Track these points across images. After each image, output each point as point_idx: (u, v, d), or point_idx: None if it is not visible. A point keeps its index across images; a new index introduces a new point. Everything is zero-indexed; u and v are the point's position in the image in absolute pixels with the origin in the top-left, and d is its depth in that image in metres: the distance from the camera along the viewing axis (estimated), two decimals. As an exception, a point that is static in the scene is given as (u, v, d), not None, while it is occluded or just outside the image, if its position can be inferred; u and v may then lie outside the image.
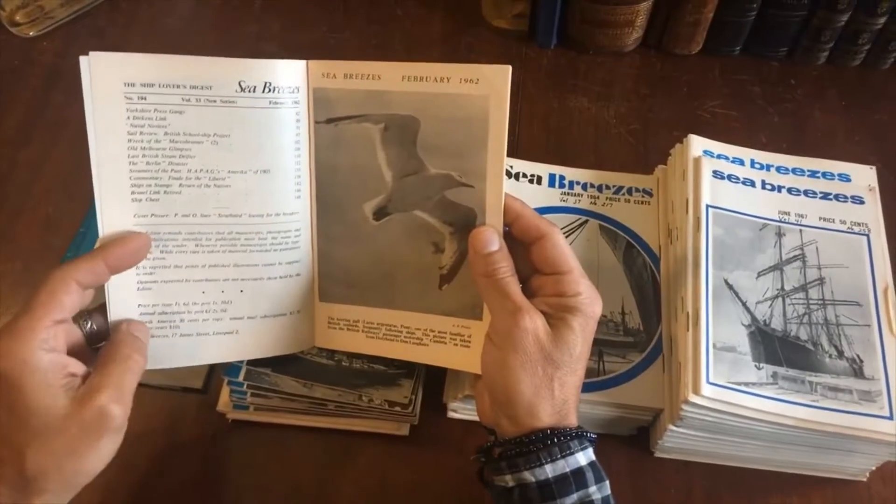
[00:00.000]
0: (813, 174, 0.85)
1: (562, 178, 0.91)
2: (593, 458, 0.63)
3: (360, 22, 1.20)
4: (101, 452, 0.60)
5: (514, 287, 0.65)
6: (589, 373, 0.74)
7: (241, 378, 0.78)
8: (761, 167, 0.85)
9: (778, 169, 0.85)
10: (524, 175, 0.91)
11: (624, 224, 0.88)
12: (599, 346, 0.79)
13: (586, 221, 0.88)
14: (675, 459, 0.82)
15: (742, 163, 0.85)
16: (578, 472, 0.61)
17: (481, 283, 0.66)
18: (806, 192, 0.83)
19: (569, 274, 0.65)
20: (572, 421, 0.63)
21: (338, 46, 1.17)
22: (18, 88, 1.11)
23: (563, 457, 0.61)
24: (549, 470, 0.60)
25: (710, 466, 0.82)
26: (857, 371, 0.73)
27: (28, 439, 0.58)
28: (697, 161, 0.84)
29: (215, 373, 0.85)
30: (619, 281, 0.84)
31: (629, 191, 0.91)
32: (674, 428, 0.74)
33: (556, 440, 0.61)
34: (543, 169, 0.92)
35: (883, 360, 0.73)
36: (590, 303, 0.64)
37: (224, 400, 0.82)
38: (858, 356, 0.73)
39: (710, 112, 1.09)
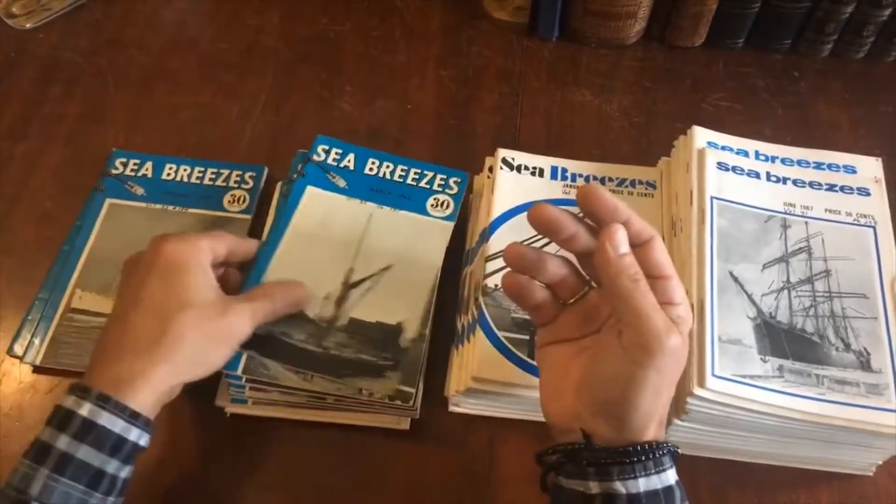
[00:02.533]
0: (818, 166, 0.84)
1: (564, 170, 0.90)
2: (677, 477, 0.61)
3: (361, 14, 1.19)
4: (221, 346, 0.72)
5: (654, 299, 0.60)
6: None
7: (239, 372, 0.77)
8: (766, 159, 0.84)
9: (783, 160, 0.84)
10: (526, 167, 0.89)
11: None
12: None
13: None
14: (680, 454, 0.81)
15: (746, 154, 0.84)
16: (669, 491, 0.59)
17: (624, 287, 0.59)
18: (811, 184, 0.82)
19: (671, 279, 0.61)
20: (663, 434, 0.62)
21: (338, 39, 1.16)
22: (14, 81, 1.10)
23: (656, 472, 0.59)
24: (643, 484, 0.58)
25: (716, 461, 0.81)
26: (864, 364, 0.72)
27: (179, 308, 0.69)
28: (702, 152, 0.83)
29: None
30: None
31: (632, 183, 0.90)
32: (679, 422, 0.73)
33: (655, 454, 0.59)
34: (545, 161, 0.90)
35: (890, 353, 0.73)
36: (689, 310, 0.61)
37: (223, 394, 0.82)
38: (865, 349, 0.73)
39: (714, 105, 1.09)
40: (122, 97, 1.09)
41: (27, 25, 1.15)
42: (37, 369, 0.86)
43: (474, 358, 0.76)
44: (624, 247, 0.59)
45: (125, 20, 1.18)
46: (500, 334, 0.77)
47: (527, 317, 0.76)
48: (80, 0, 1.18)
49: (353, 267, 0.84)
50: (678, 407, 0.72)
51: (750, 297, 0.75)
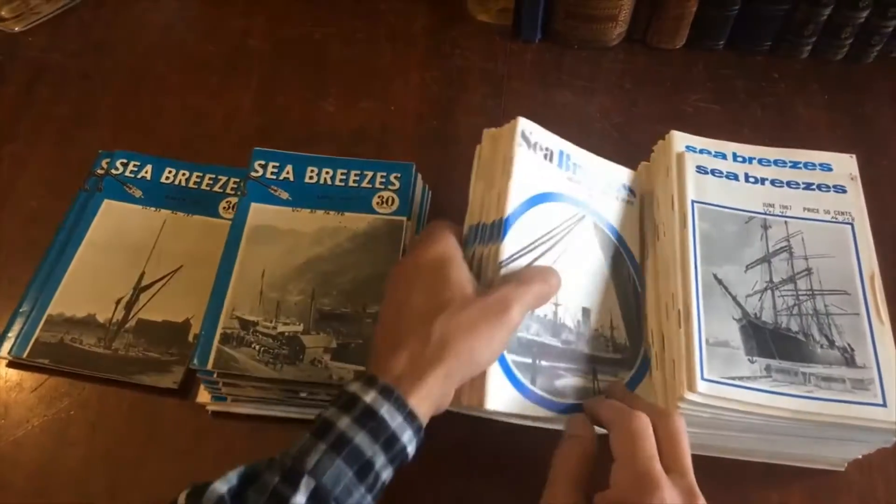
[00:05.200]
0: (795, 165, 0.85)
1: (568, 157, 0.80)
2: None
3: (345, 17, 1.20)
4: (493, 340, 0.66)
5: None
6: (585, 392, 0.74)
7: (210, 366, 0.77)
8: (743, 160, 0.85)
9: (760, 161, 0.85)
10: (540, 147, 0.78)
11: (613, 225, 0.82)
12: (593, 364, 0.76)
13: (583, 217, 0.79)
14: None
15: (724, 157, 0.85)
16: None
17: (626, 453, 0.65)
18: (789, 184, 0.83)
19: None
20: None
21: (322, 41, 1.17)
22: (3, 83, 1.11)
23: None
24: None
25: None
26: (849, 360, 0.73)
27: (439, 309, 0.66)
28: (681, 157, 0.84)
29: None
30: (608, 291, 0.79)
31: (616, 187, 0.85)
32: (671, 427, 0.74)
33: None
34: (557, 142, 0.80)
35: (873, 348, 0.73)
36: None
37: (203, 392, 0.82)
38: (849, 345, 0.74)
39: (694, 106, 1.10)
40: (109, 99, 1.10)
41: (16, 29, 1.16)
42: (22, 367, 0.87)
43: (484, 387, 0.68)
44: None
45: (113, 23, 1.19)
46: (509, 358, 0.70)
47: (531, 336, 0.72)
48: (69, 3, 1.19)
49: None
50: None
51: (735, 298, 0.76)
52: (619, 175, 0.85)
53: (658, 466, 0.63)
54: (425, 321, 0.66)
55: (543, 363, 0.72)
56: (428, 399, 0.63)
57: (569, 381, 0.73)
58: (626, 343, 0.78)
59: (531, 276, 0.70)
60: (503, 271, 0.70)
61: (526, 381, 0.71)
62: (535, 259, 0.73)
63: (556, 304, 0.74)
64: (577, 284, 0.77)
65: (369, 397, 0.61)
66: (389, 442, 0.61)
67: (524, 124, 0.76)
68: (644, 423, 0.65)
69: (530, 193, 0.75)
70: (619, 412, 0.67)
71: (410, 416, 0.62)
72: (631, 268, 0.81)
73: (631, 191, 0.85)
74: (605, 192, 0.83)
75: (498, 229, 0.72)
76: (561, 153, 0.79)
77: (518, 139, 0.75)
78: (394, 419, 0.61)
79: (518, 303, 0.66)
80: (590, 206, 0.80)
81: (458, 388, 0.67)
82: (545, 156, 0.78)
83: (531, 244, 0.72)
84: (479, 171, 0.79)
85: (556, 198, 0.77)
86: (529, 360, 0.72)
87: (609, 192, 0.83)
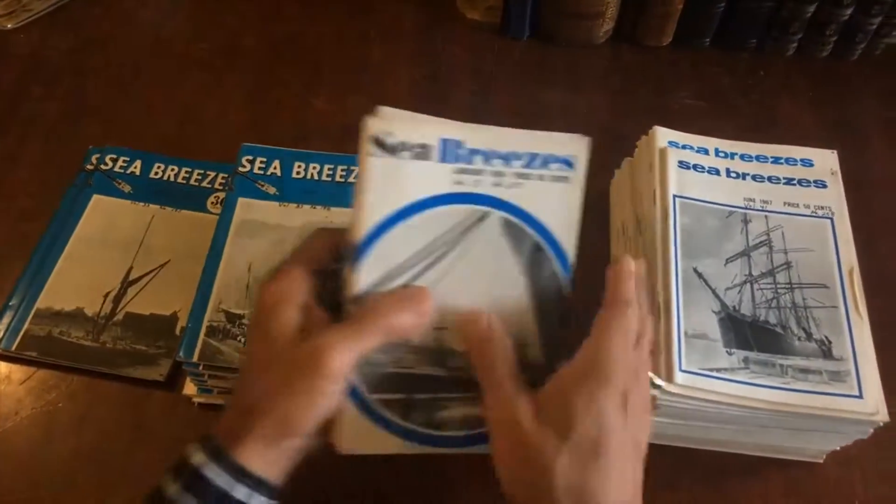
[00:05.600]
0: (776, 160, 0.86)
1: (457, 145, 0.61)
2: None
3: (337, 14, 1.21)
4: (311, 400, 0.58)
5: (508, 377, 0.62)
6: (477, 422, 0.66)
7: (195, 359, 0.78)
8: (725, 155, 0.86)
9: (742, 157, 0.86)
10: (404, 146, 0.60)
11: (534, 216, 0.64)
12: None
13: (486, 215, 0.63)
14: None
15: (707, 152, 0.86)
16: None
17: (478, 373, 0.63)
18: (770, 179, 0.84)
19: None
20: None
21: (314, 38, 1.18)
22: (-6, 80, 1.12)
23: None
24: None
25: (667, 448, 0.82)
26: (826, 352, 0.74)
27: (255, 365, 0.62)
28: (663, 152, 0.84)
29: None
30: (518, 301, 0.65)
31: (545, 162, 0.63)
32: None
33: None
34: (433, 131, 0.61)
35: (850, 341, 0.74)
36: None
37: (189, 384, 0.83)
38: (827, 337, 0.74)
39: (680, 103, 1.11)
40: (101, 95, 1.11)
41: (9, 26, 1.17)
42: (11, 359, 0.88)
43: (340, 430, 0.64)
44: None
45: (105, 20, 1.20)
46: (371, 398, 0.64)
47: (401, 370, 0.64)
48: (61, 1, 1.20)
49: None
50: (648, 401, 0.74)
51: (714, 291, 0.77)
52: (548, 146, 0.63)
53: None
54: (244, 378, 0.63)
55: (420, 396, 0.65)
56: (263, 454, 0.60)
57: (455, 411, 0.66)
58: (541, 360, 0.66)
59: (378, 309, 0.61)
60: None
61: (395, 418, 0.64)
62: (411, 281, 0.62)
63: (440, 329, 0.64)
64: (473, 300, 0.64)
65: (197, 459, 0.59)
66: (221, 501, 0.58)
67: (376, 127, 0.60)
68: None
69: (393, 208, 0.61)
70: None
71: (241, 473, 0.59)
72: (558, 264, 0.65)
73: (567, 162, 0.64)
74: (522, 174, 0.63)
75: (351, 256, 0.61)
76: (444, 143, 0.61)
77: (369, 147, 0.60)
78: (219, 477, 0.58)
79: (338, 351, 0.58)
80: (498, 199, 0.63)
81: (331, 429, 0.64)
82: (417, 155, 0.61)
83: (400, 266, 0.62)
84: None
85: (439, 202, 0.62)
86: (402, 396, 0.65)
87: (529, 173, 0.63)
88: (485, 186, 0.63)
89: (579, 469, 0.57)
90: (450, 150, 0.61)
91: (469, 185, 0.62)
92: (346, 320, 0.60)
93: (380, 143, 0.60)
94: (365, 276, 0.61)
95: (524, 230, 0.64)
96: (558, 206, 0.64)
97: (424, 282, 0.62)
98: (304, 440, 0.61)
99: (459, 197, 0.62)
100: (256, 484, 0.59)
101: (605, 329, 0.61)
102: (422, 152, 0.61)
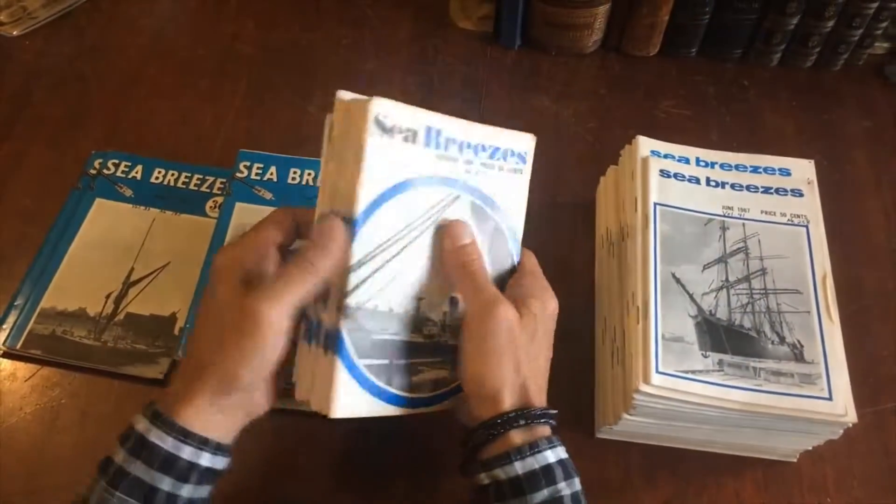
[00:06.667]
0: (755, 170, 0.88)
1: (438, 133, 0.69)
2: (564, 455, 0.65)
3: (332, 22, 1.23)
4: (250, 352, 0.62)
5: (488, 278, 0.70)
6: (444, 384, 0.72)
7: (179, 355, 0.81)
8: (706, 165, 0.88)
9: (722, 166, 0.88)
10: (399, 129, 0.66)
11: (494, 200, 0.74)
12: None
13: (457, 197, 0.71)
14: (615, 441, 0.85)
15: (688, 161, 0.88)
16: (547, 469, 0.63)
17: (456, 274, 0.69)
18: (748, 188, 0.86)
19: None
20: (536, 401, 0.67)
21: (309, 46, 1.20)
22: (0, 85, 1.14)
23: (531, 454, 0.63)
24: (519, 467, 0.63)
25: (647, 447, 0.85)
26: (798, 356, 0.76)
27: (198, 330, 0.66)
28: (645, 161, 0.87)
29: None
30: None
31: (504, 155, 0.74)
32: (626, 416, 0.77)
33: (521, 421, 0.65)
34: (422, 119, 0.68)
35: (822, 345, 0.76)
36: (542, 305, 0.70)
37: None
38: (799, 341, 0.77)
39: (665, 112, 1.13)
40: (103, 101, 1.12)
41: (14, 33, 1.19)
42: (16, 357, 0.89)
43: (331, 396, 0.64)
44: (464, 239, 0.70)
45: (108, 27, 1.22)
46: (360, 363, 0.66)
47: (388, 337, 0.68)
48: (65, 8, 1.22)
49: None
50: (625, 402, 0.76)
51: (691, 296, 0.79)
52: (508, 142, 0.74)
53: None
54: (190, 344, 0.67)
55: (401, 362, 0.69)
56: (205, 415, 0.62)
57: (427, 374, 0.71)
58: None
59: (298, 259, 0.64)
60: (354, 277, 0.65)
61: (381, 383, 0.68)
62: (397, 253, 0.67)
63: (419, 299, 0.70)
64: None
65: (141, 426, 0.62)
66: (167, 464, 0.60)
67: (379, 108, 0.64)
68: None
69: (386, 185, 0.66)
70: None
71: (184, 433, 0.61)
72: (511, 245, 0.75)
73: (521, 157, 0.75)
74: (486, 164, 0.72)
75: (352, 228, 0.65)
76: (428, 130, 0.68)
77: (370, 127, 0.64)
78: (163, 441, 0.61)
79: (270, 303, 0.61)
80: (467, 184, 0.71)
81: (308, 393, 0.67)
82: (406, 138, 0.67)
83: (389, 240, 0.67)
84: (331, 149, 0.68)
85: (422, 183, 0.68)
86: (386, 362, 0.68)
87: (492, 163, 0.73)
88: (458, 173, 0.71)
89: (527, 341, 0.68)
90: (432, 137, 0.69)
91: (446, 171, 0.70)
92: (277, 276, 0.64)
93: (380, 124, 0.65)
94: (359, 248, 0.65)
95: (487, 212, 0.73)
96: (512, 194, 0.75)
97: (408, 255, 0.68)
98: (250, 395, 0.65)
99: (439, 180, 0.70)
100: (201, 443, 0.62)
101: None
102: (410, 136, 0.67)
